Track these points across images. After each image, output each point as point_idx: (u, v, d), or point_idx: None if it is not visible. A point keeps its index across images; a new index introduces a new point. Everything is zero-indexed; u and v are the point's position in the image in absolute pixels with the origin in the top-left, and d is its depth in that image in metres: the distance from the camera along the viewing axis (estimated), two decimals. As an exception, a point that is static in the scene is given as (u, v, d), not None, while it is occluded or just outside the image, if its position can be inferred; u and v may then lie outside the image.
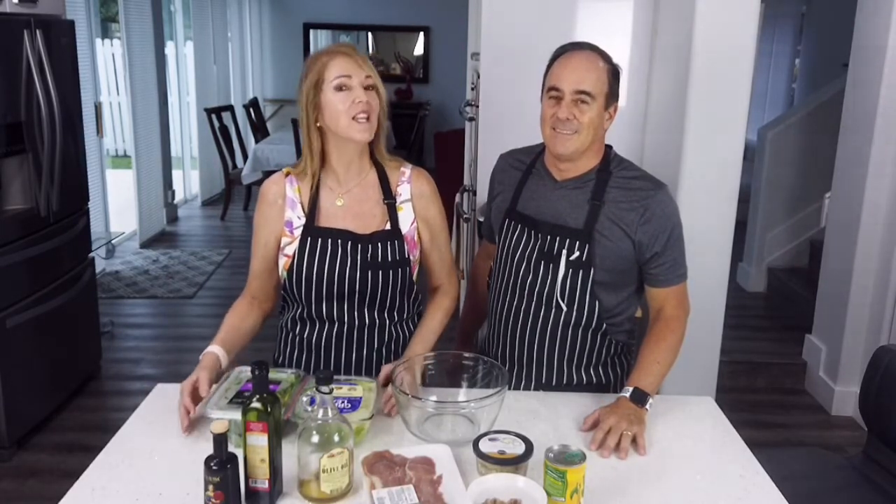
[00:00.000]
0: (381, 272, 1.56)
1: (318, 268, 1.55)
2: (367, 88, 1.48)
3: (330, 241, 1.55)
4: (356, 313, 1.60)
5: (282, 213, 1.58)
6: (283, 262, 1.59)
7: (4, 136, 2.88)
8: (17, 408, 2.97)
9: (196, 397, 1.47)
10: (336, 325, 1.61)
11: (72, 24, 3.35)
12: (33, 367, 3.10)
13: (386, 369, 1.56)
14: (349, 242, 1.55)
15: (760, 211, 4.94)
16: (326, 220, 1.57)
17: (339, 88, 1.47)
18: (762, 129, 4.97)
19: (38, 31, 2.96)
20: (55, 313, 3.20)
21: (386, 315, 1.63)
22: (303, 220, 1.57)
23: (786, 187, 4.86)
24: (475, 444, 1.36)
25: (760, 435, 3.18)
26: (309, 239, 1.55)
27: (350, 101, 1.47)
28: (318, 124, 1.52)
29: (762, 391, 3.71)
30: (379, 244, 1.56)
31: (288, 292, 1.63)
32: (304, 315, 1.63)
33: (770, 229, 4.95)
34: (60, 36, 3.21)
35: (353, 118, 1.47)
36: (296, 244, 1.57)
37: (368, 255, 1.55)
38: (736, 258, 3.50)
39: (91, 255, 3.58)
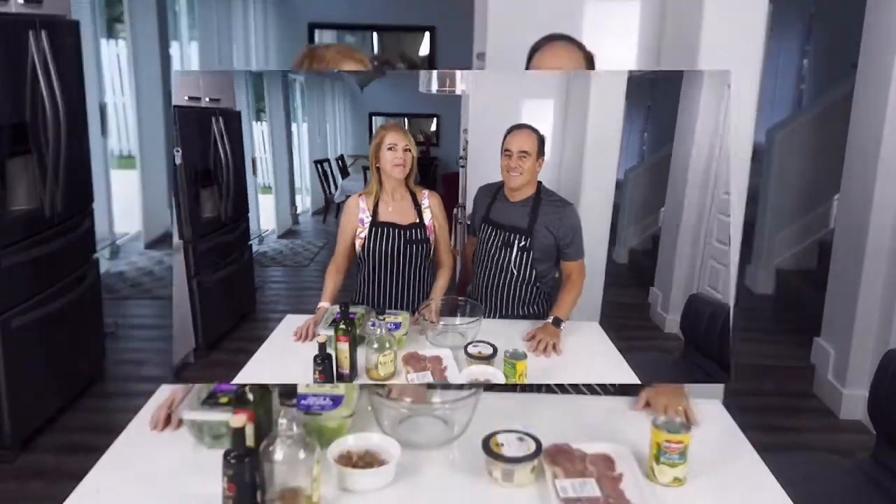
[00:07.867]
0: (413, 245, 2.45)
1: (379, 244, 2.43)
2: (405, 150, 2.39)
3: (385, 228, 2.43)
4: (399, 271, 2.48)
5: (357, 215, 2.47)
6: (359, 243, 2.45)
7: (9, 137, 2.88)
8: (21, 408, 2.97)
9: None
10: (389, 279, 2.48)
11: (76, 24, 3.35)
12: (37, 368, 3.10)
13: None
14: (396, 229, 2.44)
15: (769, 212, 4.92)
16: (383, 217, 2.45)
17: (389, 149, 2.37)
18: (770, 129, 4.95)
19: (42, 32, 2.97)
20: (59, 314, 3.20)
21: (414, 273, 2.49)
22: (370, 218, 2.45)
23: (794, 188, 4.84)
24: (484, 442, 1.41)
25: (768, 438, 3.12)
26: (374, 228, 2.43)
27: (394, 157, 2.37)
28: (377, 165, 2.41)
29: (770, 394, 3.70)
30: (412, 230, 2.45)
31: (361, 260, 2.47)
32: (371, 273, 2.48)
33: (778, 231, 4.93)
34: (65, 36, 3.21)
35: (395, 165, 2.38)
36: (366, 231, 2.44)
37: (406, 236, 2.45)
38: (744, 260, 3.48)
39: (95, 255, 3.58)
